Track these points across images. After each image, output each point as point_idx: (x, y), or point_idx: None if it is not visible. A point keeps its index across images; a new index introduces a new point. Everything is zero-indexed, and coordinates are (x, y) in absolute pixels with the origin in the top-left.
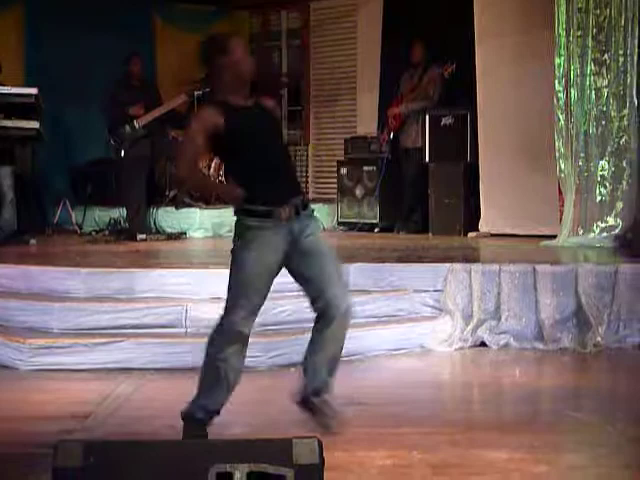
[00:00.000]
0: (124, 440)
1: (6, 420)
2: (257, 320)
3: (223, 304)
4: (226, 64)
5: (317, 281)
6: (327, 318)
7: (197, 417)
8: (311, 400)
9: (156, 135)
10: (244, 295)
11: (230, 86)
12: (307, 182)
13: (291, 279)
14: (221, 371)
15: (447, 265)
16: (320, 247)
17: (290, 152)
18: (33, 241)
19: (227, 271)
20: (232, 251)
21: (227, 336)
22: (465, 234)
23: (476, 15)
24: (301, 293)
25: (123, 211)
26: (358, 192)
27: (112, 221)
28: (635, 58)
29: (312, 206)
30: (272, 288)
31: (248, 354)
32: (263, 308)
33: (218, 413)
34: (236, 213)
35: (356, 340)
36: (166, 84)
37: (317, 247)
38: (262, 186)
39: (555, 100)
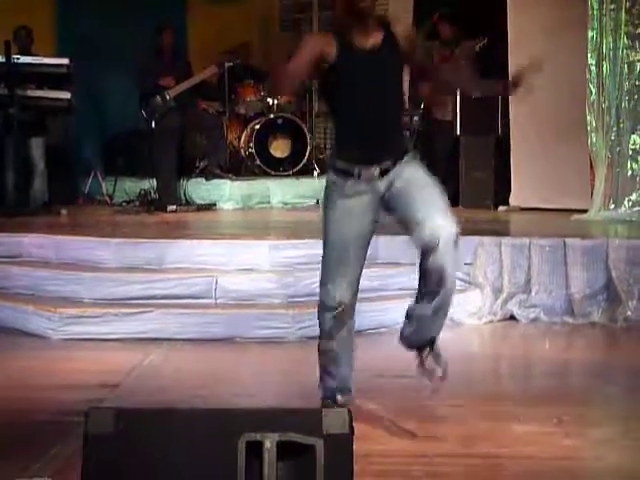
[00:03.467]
0: (155, 408)
1: (36, 388)
2: (286, 292)
3: (254, 275)
4: None
5: (413, 215)
6: (428, 251)
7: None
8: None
9: (186, 106)
10: (332, 261)
11: (345, 20)
12: None
13: (320, 250)
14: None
15: (477, 238)
16: (413, 185)
17: (401, 104)
18: (64, 211)
19: (256, 242)
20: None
21: (324, 308)
22: (495, 208)
23: None
24: None
25: (153, 182)
26: None
27: (142, 192)
28: None
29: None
30: (299, 260)
31: (277, 325)
32: (292, 280)
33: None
34: (327, 167)
35: (385, 312)
36: (196, 56)
37: (409, 188)
38: (352, 141)
39: (587, 73)
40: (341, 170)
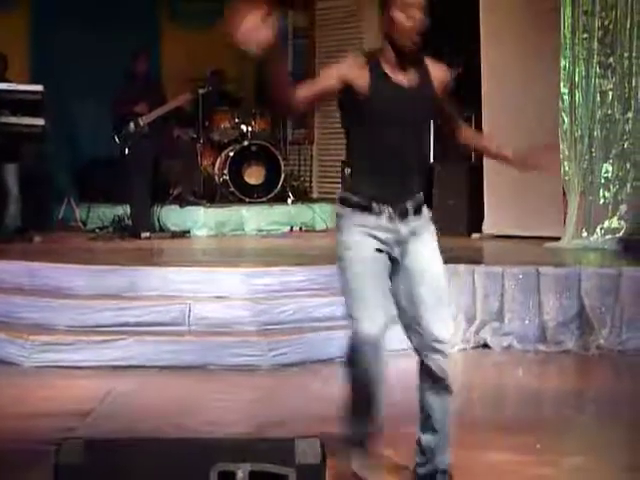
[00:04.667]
0: (126, 438)
1: (8, 416)
2: (259, 319)
3: (228, 302)
4: (385, 18)
5: (410, 307)
6: (424, 363)
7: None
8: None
9: (160, 133)
10: (359, 295)
11: (387, 51)
12: (311, 181)
13: (294, 277)
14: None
15: (450, 266)
16: (423, 265)
17: (428, 146)
18: (37, 238)
19: (230, 269)
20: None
21: (358, 346)
22: (469, 235)
23: (482, 18)
24: (302, 292)
25: (127, 208)
26: None
27: (116, 218)
28: None
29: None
30: (273, 287)
31: (251, 352)
32: (265, 307)
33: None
34: (338, 200)
35: None
36: (170, 81)
37: (419, 264)
38: (374, 176)
39: (560, 102)
40: (358, 205)
